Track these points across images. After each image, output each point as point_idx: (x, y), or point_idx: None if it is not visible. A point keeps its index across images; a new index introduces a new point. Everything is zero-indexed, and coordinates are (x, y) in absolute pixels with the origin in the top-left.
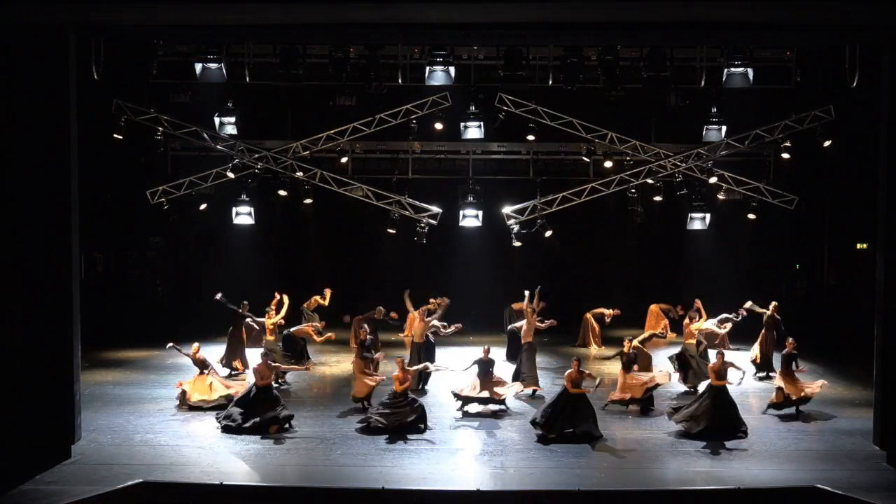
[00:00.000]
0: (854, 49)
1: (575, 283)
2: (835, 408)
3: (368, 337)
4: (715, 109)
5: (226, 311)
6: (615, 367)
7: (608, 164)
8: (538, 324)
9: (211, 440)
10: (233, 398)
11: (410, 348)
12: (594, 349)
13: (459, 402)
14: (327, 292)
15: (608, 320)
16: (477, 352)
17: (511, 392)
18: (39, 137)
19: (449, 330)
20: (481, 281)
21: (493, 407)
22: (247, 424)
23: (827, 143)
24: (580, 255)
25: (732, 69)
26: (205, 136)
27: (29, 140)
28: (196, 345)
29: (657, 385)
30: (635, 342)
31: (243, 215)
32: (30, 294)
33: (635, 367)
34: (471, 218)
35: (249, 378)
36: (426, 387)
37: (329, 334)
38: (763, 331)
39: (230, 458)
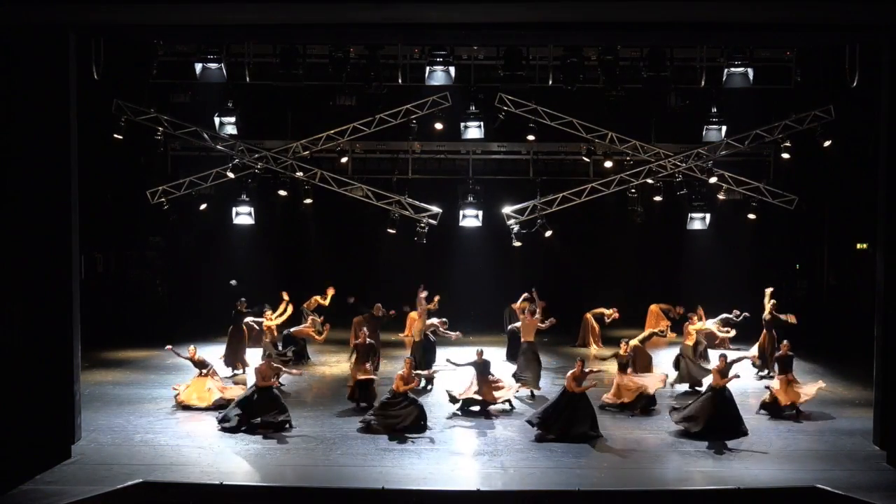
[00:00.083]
0: (854, 49)
1: (575, 283)
2: (835, 408)
3: (368, 340)
4: (715, 109)
5: (228, 304)
6: (615, 368)
7: (608, 164)
8: (539, 323)
9: (211, 440)
10: (230, 401)
11: (412, 347)
12: (594, 349)
13: (456, 404)
14: (330, 291)
15: (608, 320)
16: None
17: (509, 394)
18: (39, 137)
19: (450, 334)
20: (481, 281)
21: (491, 408)
22: (244, 427)
23: (827, 143)
24: (580, 255)
25: (732, 69)
26: (205, 136)
27: (29, 140)
28: (192, 347)
29: (649, 394)
30: (634, 342)
31: (243, 215)
32: (30, 294)
33: (629, 371)
34: (471, 218)
35: (250, 378)
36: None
37: (327, 324)
38: (763, 331)
39: (230, 458)
